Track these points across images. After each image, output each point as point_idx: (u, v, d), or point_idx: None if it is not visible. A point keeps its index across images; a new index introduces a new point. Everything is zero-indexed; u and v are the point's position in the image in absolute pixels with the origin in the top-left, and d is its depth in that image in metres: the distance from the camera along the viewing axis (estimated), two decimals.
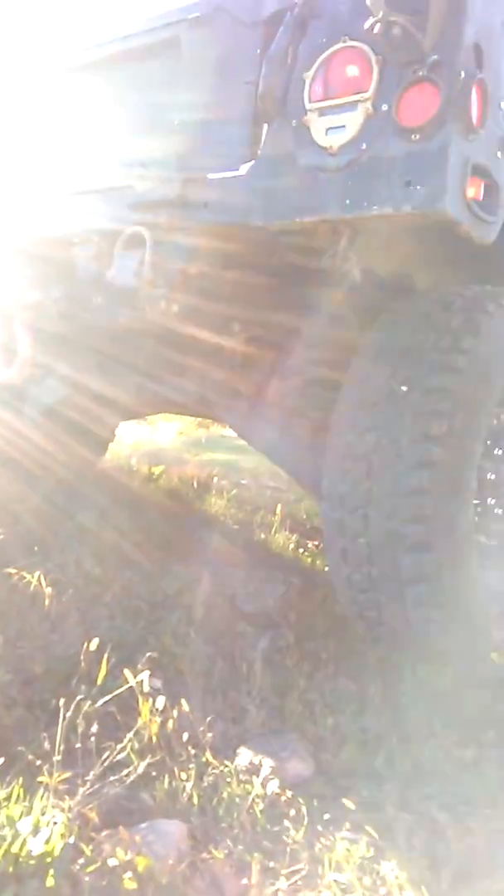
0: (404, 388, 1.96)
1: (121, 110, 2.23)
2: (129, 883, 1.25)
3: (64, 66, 2.36)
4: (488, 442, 2.27)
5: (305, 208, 1.74)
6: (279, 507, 3.73)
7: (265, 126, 1.85)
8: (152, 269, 1.99)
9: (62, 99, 2.38)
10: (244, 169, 1.87)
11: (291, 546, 3.37)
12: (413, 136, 1.62)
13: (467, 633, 2.07)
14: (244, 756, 1.82)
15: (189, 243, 2.00)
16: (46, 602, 2.42)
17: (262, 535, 3.46)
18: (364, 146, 1.67)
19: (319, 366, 2.48)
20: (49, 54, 2.44)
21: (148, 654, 2.14)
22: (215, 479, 4.15)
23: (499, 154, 1.76)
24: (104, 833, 1.36)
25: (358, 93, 1.70)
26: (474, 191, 1.70)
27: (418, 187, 1.58)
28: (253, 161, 1.87)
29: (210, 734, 1.88)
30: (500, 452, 2.29)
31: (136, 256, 2.02)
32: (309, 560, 3.24)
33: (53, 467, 3.33)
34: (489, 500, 2.29)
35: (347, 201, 1.68)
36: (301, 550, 3.34)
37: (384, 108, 1.67)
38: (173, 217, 1.99)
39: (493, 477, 2.27)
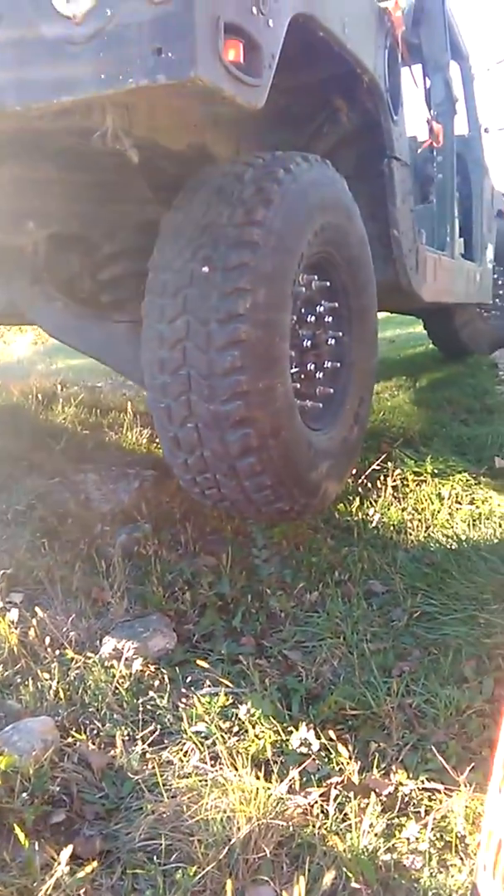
0: (206, 269, 1.96)
1: None
2: None
3: None
4: (302, 310, 2.34)
5: (60, 87, 1.61)
6: (129, 405, 3.71)
7: None
8: None
9: None
10: None
11: (144, 441, 3.41)
12: None
13: (302, 491, 2.22)
14: (108, 644, 1.92)
15: None
16: None
17: (114, 436, 3.46)
18: (109, 12, 1.54)
19: (128, 256, 2.41)
20: None
21: (2, 571, 2.18)
22: (59, 388, 4.04)
23: (254, 10, 1.69)
24: None
25: None
26: (234, 53, 1.64)
27: (169, 54, 1.50)
28: None
29: (73, 633, 1.96)
30: (313, 318, 2.37)
31: None
32: (162, 451, 3.28)
33: None
34: (309, 365, 2.39)
35: (102, 76, 1.56)
36: (155, 443, 3.38)
37: None
38: None
39: (309, 343, 2.36)
